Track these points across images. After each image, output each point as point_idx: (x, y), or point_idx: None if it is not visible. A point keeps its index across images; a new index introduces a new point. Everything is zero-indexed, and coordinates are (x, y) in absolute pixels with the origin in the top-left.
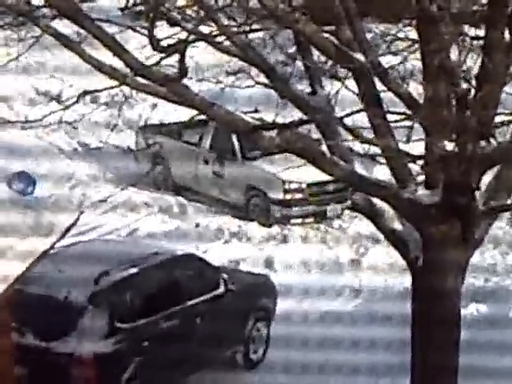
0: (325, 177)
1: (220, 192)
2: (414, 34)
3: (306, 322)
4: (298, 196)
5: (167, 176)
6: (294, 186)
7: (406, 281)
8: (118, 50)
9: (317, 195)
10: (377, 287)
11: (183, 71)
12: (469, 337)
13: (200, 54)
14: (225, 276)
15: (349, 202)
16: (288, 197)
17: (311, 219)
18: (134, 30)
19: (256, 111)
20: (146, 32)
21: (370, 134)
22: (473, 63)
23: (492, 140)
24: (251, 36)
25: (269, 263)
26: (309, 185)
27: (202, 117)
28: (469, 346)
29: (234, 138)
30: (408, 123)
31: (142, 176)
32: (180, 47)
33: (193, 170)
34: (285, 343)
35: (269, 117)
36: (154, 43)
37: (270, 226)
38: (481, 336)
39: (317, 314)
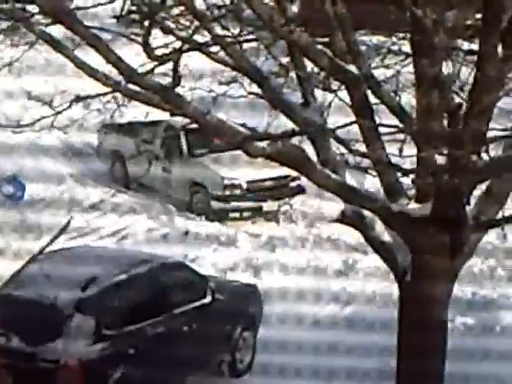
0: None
1: (168, 187)
2: (407, 48)
3: (297, 327)
4: (237, 192)
5: (124, 172)
6: (232, 182)
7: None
8: (112, 57)
9: (254, 191)
10: (368, 293)
11: (177, 80)
12: (455, 348)
13: (194, 63)
14: (212, 285)
15: (286, 199)
16: (227, 192)
17: (249, 214)
18: (129, 38)
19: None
20: (139, 40)
21: (362, 147)
22: (466, 77)
23: (483, 154)
24: (245, 46)
25: (258, 270)
26: (247, 181)
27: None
28: (455, 360)
29: (182, 137)
30: (400, 136)
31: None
32: (174, 56)
33: (146, 166)
34: (275, 348)
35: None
36: (149, 51)
37: (211, 220)
38: (468, 348)
39: (308, 320)
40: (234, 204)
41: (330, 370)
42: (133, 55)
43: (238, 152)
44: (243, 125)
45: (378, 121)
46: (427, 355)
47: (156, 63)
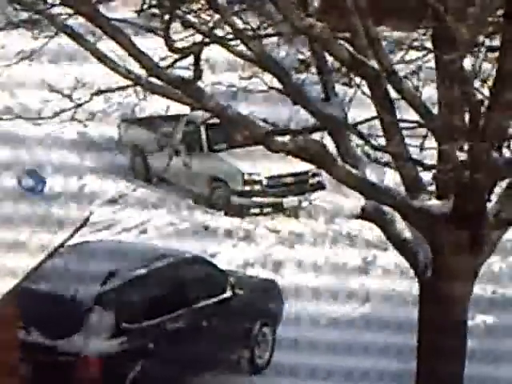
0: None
1: (188, 182)
2: (428, 43)
3: (313, 326)
4: (257, 187)
5: (145, 167)
6: (253, 177)
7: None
8: (134, 50)
9: (274, 187)
10: (385, 293)
11: (198, 73)
12: (475, 348)
13: (214, 58)
14: (232, 280)
15: (306, 195)
16: (247, 188)
17: (269, 210)
18: (151, 31)
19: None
20: (161, 33)
21: (383, 142)
22: (487, 74)
23: (505, 151)
24: (266, 41)
25: (277, 266)
26: (267, 177)
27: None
28: (474, 358)
29: (202, 132)
30: (421, 131)
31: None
32: (195, 49)
33: (166, 161)
34: (292, 347)
35: None
36: (170, 45)
37: (231, 215)
38: (487, 347)
39: (325, 319)
40: (254, 199)
41: (347, 370)
42: (154, 48)
43: (259, 147)
44: (264, 120)
45: (398, 116)
46: (447, 356)
47: (177, 57)
